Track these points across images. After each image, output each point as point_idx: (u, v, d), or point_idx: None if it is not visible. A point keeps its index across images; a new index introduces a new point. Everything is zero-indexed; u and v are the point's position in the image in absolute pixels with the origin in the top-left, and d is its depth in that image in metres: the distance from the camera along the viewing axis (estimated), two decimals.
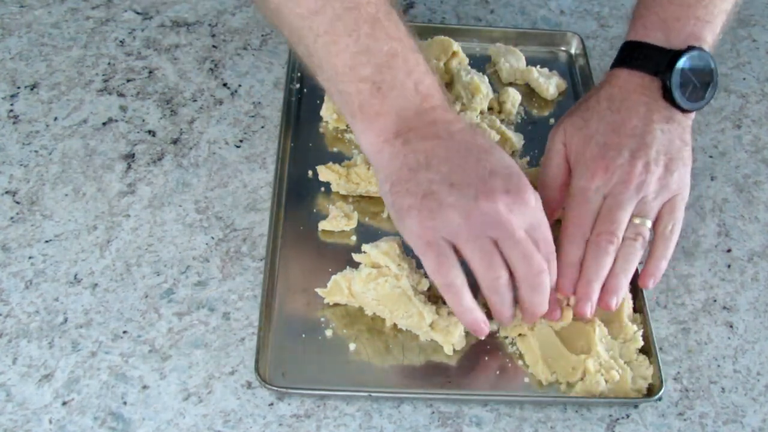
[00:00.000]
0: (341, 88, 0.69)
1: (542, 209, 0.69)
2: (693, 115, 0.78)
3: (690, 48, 0.75)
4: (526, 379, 0.72)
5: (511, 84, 0.96)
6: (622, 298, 0.73)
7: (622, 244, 0.72)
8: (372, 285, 0.71)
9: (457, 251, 0.67)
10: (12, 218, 0.80)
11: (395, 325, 0.74)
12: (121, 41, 0.98)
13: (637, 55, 0.78)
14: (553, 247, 0.69)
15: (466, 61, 0.95)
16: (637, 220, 0.73)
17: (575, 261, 0.72)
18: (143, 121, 0.90)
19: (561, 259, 0.72)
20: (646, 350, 0.73)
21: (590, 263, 0.72)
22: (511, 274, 0.67)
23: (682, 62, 0.75)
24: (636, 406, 0.71)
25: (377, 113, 0.68)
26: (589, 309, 0.71)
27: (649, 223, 0.74)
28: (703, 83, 0.76)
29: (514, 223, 0.66)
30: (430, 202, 0.66)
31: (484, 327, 0.69)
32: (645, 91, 0.76)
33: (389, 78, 0.68)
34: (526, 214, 0.67)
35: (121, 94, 0.92)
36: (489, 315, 0.70)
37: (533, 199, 0.67)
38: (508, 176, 0.67)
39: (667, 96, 0.76)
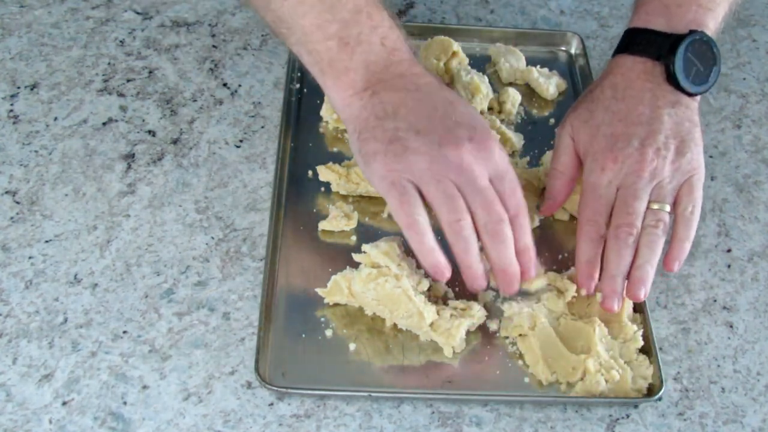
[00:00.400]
0: (310, 47, 0.70)
1: (508, 162, 0.70)
2: (699, 97, 0.78)
3: (692, 32, 0.75)
4: (526, 379, 0.72)
5: (511, 84, 0.96)
6: (650, 287, 0.73)
7: (643, 233, 0.72)
8: (372, 285, 0.71)
9: (421, 196, 0.68)
10: (12, 218, 0.80)
11: (395, 325, 0.74)
12: (121, 41, 0.98)
13: (639, 41, 0.78)
14: (520, 200, 0.70)
15: (466, 61, 0.95)
16: (655, 206, 0.73)
17: (592, 259, 0.73)
18: (143, 121, 0.90)
19: (578, 258, 0.73)
20: (646, 350, 0.73)
21: (612, 258, 0.72)
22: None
23: (684, 46, 0.75)
24: (636, 406, 0.71)
25: (346, 68, 0.70)
26: (616, 304, 0.72)
27: (667, 207, 0.73)
28: (706, 66, 0.76)
29: (476, 171, 0.67)
30: (395, 146, 0.67)
31: (445, 271, 0.69)
32: (648, 76, 0.76)
33: (355, 33, 0.69)
34: (490, 163, 0.68)
35: (121, 94, 0.92)
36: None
37: (497, 150, 0.69)
38: (473, 127, 0.68)
39: (671, 80, 0.76)
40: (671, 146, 0.74)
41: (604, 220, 0.74)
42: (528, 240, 0.70)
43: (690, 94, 0.76)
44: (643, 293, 0.72)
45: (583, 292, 0.74)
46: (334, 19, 0.69)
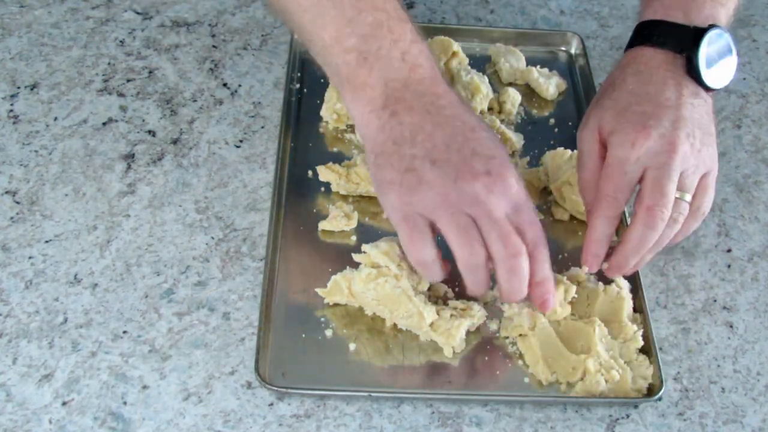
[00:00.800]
0: (329, 60, 0.69)
1: (526, 194, 0.67)
2: (713, 94, 0.77)
3: (711, 26, 0.75)
4: (526, 379, 0.72)
5: (511, 84, 0.96)
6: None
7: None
8: (372, 285, 0.71)
9: (436, 229, 0.67)
10: (12, 218, 0.80)
11: (395, 325, 0.74)
12: (121, 41, 0.98)
13: (658, 33, 0.77)
14: (539, 232, 0.67)
15: (466, 61, 0.95)
16: (677, 194, 0.71)
17: (604, 238, 0.72)
18: (143, 121, 0.90)
19: (589, 234, 0.72)
20: (646, 350, 0.73)
21: (635, 237, 0.70)
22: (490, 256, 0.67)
23: (706, 39, 0.74)
24: (636, 406, 0.71)
25: (364, 84, 0.68)
26: (618, 276, 0.74)
27: (689, 198, 0.72)
28: (724, 62, 0.75)
29: (492, 204, 0.65)
30: (410, 177, 0.65)
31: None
32: (670, 67, 0.75)
33: (375, 48, 0.67)
34: (507, 196, 0.66)
35: (121, 94, 0.92)
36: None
37: (515, 182, 0.66)
38: (491, 157, 0.66)
39: (692, 72, 0.74)
40: (697, 135, 0.72)
41: (624, 199, 0.72)
42: (547, 272, 0.68)
43: (709, 89, 0.75)
44: (638, 267, 0.74)
45: (585, 270, 0.73)
46: (353, 33, 0.67)
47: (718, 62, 0.75)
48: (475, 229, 0.65)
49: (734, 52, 0.76)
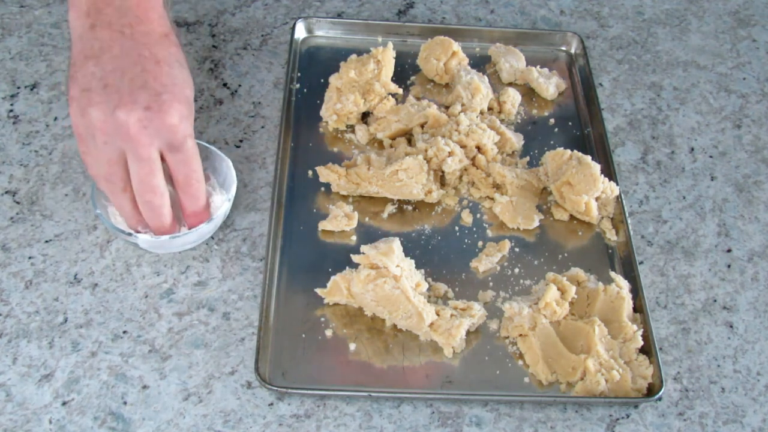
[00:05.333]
0: None
1: (188, 133, 0.68)
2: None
3: None
4: (526, 379, 0.72)
5: (511, 84, 0.96)
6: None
7: None
8: (371, 286, 0.71)
9: None
10: (12, 218, 0.80)
11: (395, 325, 0.74)
12: None
13: None
14: (192, 171, 0.70)
15: (466, 61, 0.95)
16: None
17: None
18: None
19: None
20: (646, 350, 0.73)
21: None
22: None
23: None
24: (636, 406, 0.71)
25: None
26: None
27: None
28: None
29: (142, 141, 0.66)
30: (84, 98, 0.66)
31: (138, 224, 0.72)
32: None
33: None
34: (161, 134, 0.66)
35: None
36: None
37: (176, 120, 0.66)
38: (159, 93, 0.66)
39: None
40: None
41: None
42: (197, 207, 0.73)
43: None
44: None
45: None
46: None
47: None
48: (119, 164, 0.68)
49: None
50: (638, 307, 0.76)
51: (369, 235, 0.80)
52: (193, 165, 0.70)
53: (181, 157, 0.69)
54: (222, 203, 0.78)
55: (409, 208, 0.83)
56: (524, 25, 1.05)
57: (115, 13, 0.67)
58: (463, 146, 0.84)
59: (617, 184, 0.83)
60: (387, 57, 0.90)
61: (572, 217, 0.84)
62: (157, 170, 0.68)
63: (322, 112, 0.90)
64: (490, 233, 0.82)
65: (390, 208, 0.83)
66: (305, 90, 0.93)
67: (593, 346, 0.71)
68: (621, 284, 0.75)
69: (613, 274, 0.77)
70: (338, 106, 0.88)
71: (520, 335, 0.73)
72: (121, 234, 0.74)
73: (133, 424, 0.67)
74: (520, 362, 0.73)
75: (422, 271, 0.77)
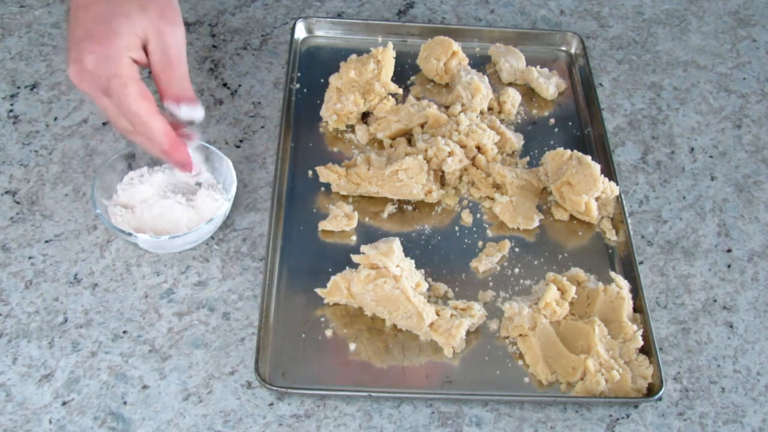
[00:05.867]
0: None
1: (128, 73, 0.70)
2: None
3: None
4: (526, 379, 0.72)
5: (511, 84, 0.96)
6: None
7: None
8: (371, 286, 0.71)
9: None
10: (12, 218, 0.80)
11: (395, 325, 0.74)
12: None
13: None
14: (134, 109, 0.70)
15: (466, 61, 0.95)
16: None
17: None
18: None
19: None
20: (646, 350, 0.73)
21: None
22: None
23: None
24: (636, 406, 0.71)
25: None
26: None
27: None
28: None
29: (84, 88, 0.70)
30: (68, 52, 0.70)
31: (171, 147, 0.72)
32: None
33: None
34: (110, 66, 0.69)
35: None
36: None
37: (115, 53, 0.69)
38: (96, 34, 0.70)
39: None
40: None
41: None
42: (180, 89, 0.72)
43: None
44: None
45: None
46: None
47: None
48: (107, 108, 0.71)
49: None
50: (638, 307, 0.76)
51: (369, 235, 0.80)
52: (132, 99, 0.70)
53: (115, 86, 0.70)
54: (222, 203, 0.78)
55: (409, 208, 0.83)
56: (524, 25, 1.05)
57: None
58: (463, 146, 0.84)
59: (617, 184, 0.83)
60: (387, 57, 0.90)
61: (572, 217, 0.84)
62: (132, 90, 0.69)
63: (322, 112, 0.90)
64: (490, 233, 0.82)
65: (390, 208, 0.83)
66: (305, 90, 0.93)
67: (593, 346, 0.71)
68: (621, 284, 0.75)
69: (613, 274, 0.77)
70: (338, 106, 0.88)
71: (520, 335, 0.73)
72: (121, 234, 0.74)
73: (133, 424, 0.67)
74: (520, 362, 0.73)
75: (422, 271, 0.77)
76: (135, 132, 0.71)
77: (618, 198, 0.83)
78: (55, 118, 0.89)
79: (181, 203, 0.77)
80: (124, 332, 0.73)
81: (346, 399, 0.70)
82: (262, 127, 0.90)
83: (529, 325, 0.73)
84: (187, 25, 1.00)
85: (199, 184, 0.80)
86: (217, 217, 0.76)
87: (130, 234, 0.73)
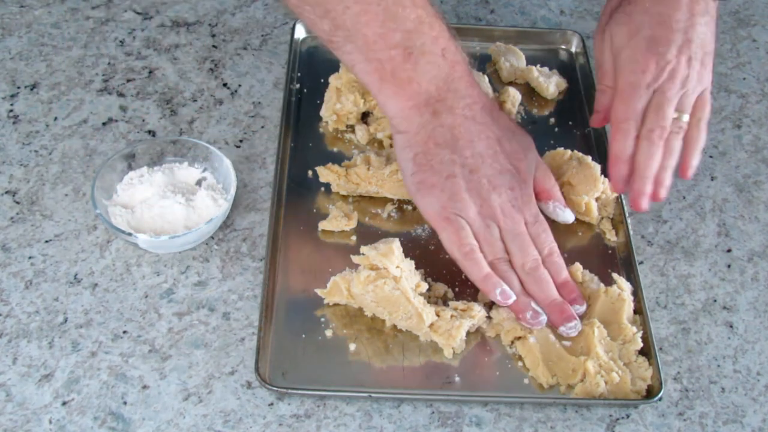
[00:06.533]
0: (372, 56, 0.70)
1: (536, 205, 0.76)
2: (717, 2, 0.80)
3: None
4: (526, 380, 0.72)
5: (511, 83, 0.96)
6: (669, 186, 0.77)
7: (666, 138, 0.77)
8: (371, 287, 0.71)
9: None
10: (12, 218, 0.80)
11: (395, 325, 0.74)
12: (121, 41, 0.98)
13: None
14: (552, 241, 0.75)
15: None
16: (676, 114, 0.77)
17: (627, 157, 0.77)
18: (143, 121, 0.90)
19: (614, 154, 0.78)
20: (646, 352, 0.73)
21: (644, 159, 0.76)
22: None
23: None
24: (636, 407, 0.71)
25: (409, 78, 0.71)
26: (646, 203, 0.76)
27: (687, 117, 0.78)
28: None
29: (516, 218, 0.73)
30: (451, 184, 0.72)
31: (507, 291, 0.72)
32: None
33: (419, 43, 0.70)
34: (526, 209, 0.74)
35: (121, 94, 0.92)
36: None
37: (533, 196, 0.76)
38: (517, 171, 0.75)
39: None
40: (699, 56, 0.78)
41: (639, 120, 0.77)
42: (565, 275, 0.75)
43: None
44: (664, 194, 0.77)
45: (612, 194, 0.81)
46: (397, 29, 0.69)
47: None
48: (500, 240, 0.74)
49: None
50: (638, 308, 0.76)
51: (369, 235, 0.80)
52: (550, 235, 0.75)
53: (541, 227, 0.75)
54: (222, 203, 0.78)
55: (409, 208, 0.83)
56: (524, 25, 1.05)
57: (454, 99, 0.73)
58: None
59: None
60: None
61: None
62: (532, 242, 0.74)
63: (322, 112, 0.90)
64: None
65: (390, 208, 0.83)
66: (305, 90, 0.93)
67: (593, 348, 0.71)
68: (623, 286, 0.75)
69: (615, 276, 0.77)
70: (338, 106, 0.88)
71: (519, 338, 0.73)
72: (122, 234, 0.74)
73: (133, 424, 0.68)
74: (520, 363, 0.72)
75: (422, 271, 0.77)
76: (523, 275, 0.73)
77: (618, 198, 0.83)
78: (55, 118, 0.89)
79: (181, 203, 0.77)
80: (124, 332, 0.73)
81: (346, 399, 0.70)
82: (262, 127, 0.90)
83: (524, 328, 0.72)
84: (187, 25, 1.00)
85: (198, 184, 0.80)
86: (217, 218, 0.76)
87: (130, 234, 0.73)
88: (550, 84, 0.95)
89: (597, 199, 0.82)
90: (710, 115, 0.79)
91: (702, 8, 0.78)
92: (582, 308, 0.73)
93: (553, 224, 0.83)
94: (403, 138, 0.74)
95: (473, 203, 0.72)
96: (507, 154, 0.75)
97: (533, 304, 0.72)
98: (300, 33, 0.98)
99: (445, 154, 0.72)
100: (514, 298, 0.72)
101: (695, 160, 0.78)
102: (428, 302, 0.73)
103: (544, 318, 0.72)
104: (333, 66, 0.91)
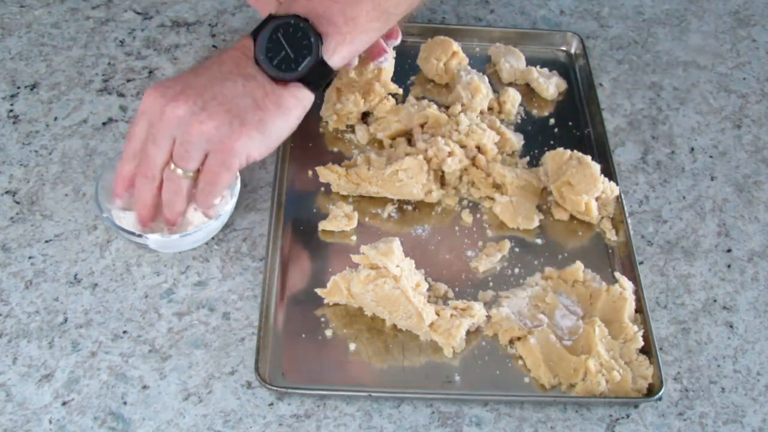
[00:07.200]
0: None
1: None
2: (299, 88, 0.74)
3: (287, 16, 0.73)
4: (526, 380, 0.72)
5: (511, 84, 0.96)
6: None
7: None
8: (371, 286, 0.71)
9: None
10: (12, 218, 0.80)
11: (395, 325, 0.74)
12: (121, 41, 0.98)
13: (262, 20, 0.75)
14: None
15: (466, 61, 0.95)
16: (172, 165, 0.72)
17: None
18: None
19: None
20: (646, 350, 0.73)
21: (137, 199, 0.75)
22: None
23: (271, 27, 0.72)
24: (636, 406, 0.71)
25: None
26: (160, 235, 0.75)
27: (174, 167, 0.72)
28: (298, 54, 0.73)
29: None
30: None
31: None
32: (244, 49, 0.74)
33: None
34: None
35: (121, 94, 0.92)
36: None
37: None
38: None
39: (256, 57, 0.73)
40: (214, 109, 0.71)
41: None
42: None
43: (271, 76, 0.73)
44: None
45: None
46: None
47: (291, 53, 0.73)
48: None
49: (313, 46, 0.72)
50: (638, 307, 0.76)
51: (369, 235, 0.80)
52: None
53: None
54: (228, 200, 0.78)
55: (409, 208, 0.83)
56: (524, 25, 1.05)
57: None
58: (463, 146, 0.84)
59: (617, 184, 0.83)
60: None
61: (572, 217, 0.84)
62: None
63: (322, 112, 0.90)
64: (490, 233, 0.82)
65: (390, 208, 0.83)
66: None
67: (594, 347, 0.71)
68: (625, 285, 0.75)
69: (617, 274, 0.77)
70: (338, 106, 0.88)
71: (519, 339, 0.73)
72: (131, 236, 0.74)
73: (133, 424, 0.67)
74: (520, 362, 0.72)
75: (422, 271, 0.77)
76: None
77: (618, 198, 0.83)
78: (55, 118, 0.89)
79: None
80: (124, 332, 0.73)
81: (346, 399, 0.70)
82: None
83: (520, 330, 0.72)
84: (187, 25, 1.00)
85: None
86: (225, 213, 0.76)
87: (140, 235, 0.73)
88: (550, 85, 0.95)
89: (597, 199, 0.82)
90: (215, 185, 0.74)
91: (245, 73, 0.73)
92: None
93: (554, 225, 0.83)
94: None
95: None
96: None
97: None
98: None
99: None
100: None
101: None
102: (428, 302, 0.73)
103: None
104: None
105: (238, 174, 0.78)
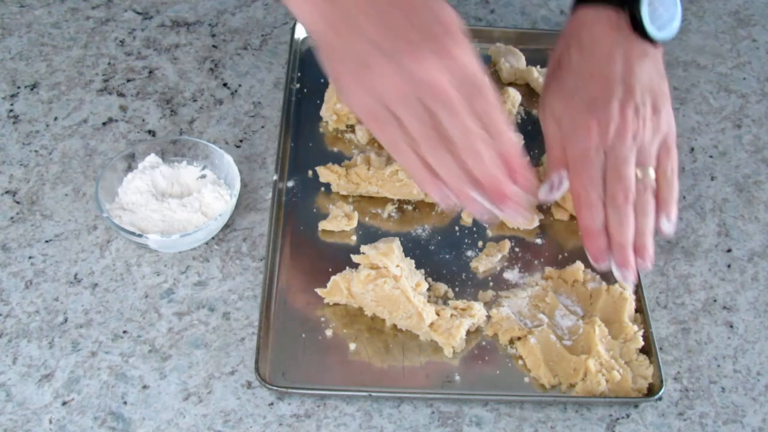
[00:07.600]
0: None
1: (476, 63, 0.64)
2: (662, 47, 0.75)
3: None
4: (526, 379, 0.72)
5: (511, 84, 0.96)
6: (653, 253, 0.71)
7: (636, 200, 0.71)
8: (371, 286, 0.71)
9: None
10: (12, 218, 0.80)
11: (395, 325, 0.74)
12: (121, 41, 0.98)
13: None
14: (492, 101, 0.63)
15: None
16: (639, 172, 0.71)
17: (598, 228, 0.71)
18: (143, 121, 0.90)
19: (584, 228, 0.71)
20: (646, 350, 0.73)
21: (616, 227, 0.70)
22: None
23: None
24: (636, 406, 0.71)
25: None
26: (632, 276, 0.71)
27: (652, 172, 0.72)
28: (668, 11, 0.72)
29: (444, 84, 0.61)
30: (363, 72, 0.61)
31: (448, 195, 0.64)
32: (613, 29, 0.72)
33: None
34: (454, 71, 0.62)
35: (121, 94, 0.92)
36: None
37: (461, 53, 0.63)
38: (433, 36, 0.62)
39: (638, 28, 0.72)
40: (648, 103, 0.72)
41: (600, 185, 0.71)
42: (506, 149, 0.64)
43: (655, 43, 0.72)
44: (650, 261, 0.71)
45: (601, 267, 0.72)
46: None
47: (662, 12, 0.72)
48: (429, 126, 0.62)
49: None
50: (638, 307, 0.76)
51: (369, 235, 0.80)
52: (491, 99, 0.64)
53: (475, 91, 0.63)
54: (228, 199, 0.78)
55: (409, 208, 0.83)
56: (524, 25, 1.05)
57: None
58: None
59: None
60: None
61: (572, 217, 0.83)
62: (467, 109, 0.62)
63: (322, 112, 0.90)
64: (490, 233, 0.82)
65: (390, 208, 0.83)
66: (305, 90, 0.93)
67: (594, 347, 0.71)
68: (624, 285, 0.75)
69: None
70: (338, 106, 0.88)
71: (519, 339, 0.73)
72: (131, 236, 0.74)
73: (133, 424, 0.67)
74: (520, 362, 0.72)
75: (422, 271, 0.77)
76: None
77: None
78: (55, 118, 0.89)
79: (183, 202, 0.77)
80: (124, 332, 0.73)
81: (346, 399, 0.70)
82: (262, 127, 0.90)
83: (520, 330, 0.72)
84: (187, 25, 1.00)
85: (204, 176, 0.81)
86: (225, 212, 0.76)
87: (140, 235, 0.73)
88: None
89: None
90: (678, 162, 0.74)
91: (638, 53, 0.72)
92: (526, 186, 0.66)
93: (554, 225, 0.83)
94: (315, 40, 0.64)
95: (389, 83, 0.60)
96: (423, 17, 0.62)
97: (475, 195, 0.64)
98: (300, 33, 0.98)
99: (347, 39, 0.61)
100: (453, 200, 0.64)
101: (672, 215, 0.72)
102: (428, 302, 0.73)
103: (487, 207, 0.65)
104: None
105: (238, 174, 0.78)
